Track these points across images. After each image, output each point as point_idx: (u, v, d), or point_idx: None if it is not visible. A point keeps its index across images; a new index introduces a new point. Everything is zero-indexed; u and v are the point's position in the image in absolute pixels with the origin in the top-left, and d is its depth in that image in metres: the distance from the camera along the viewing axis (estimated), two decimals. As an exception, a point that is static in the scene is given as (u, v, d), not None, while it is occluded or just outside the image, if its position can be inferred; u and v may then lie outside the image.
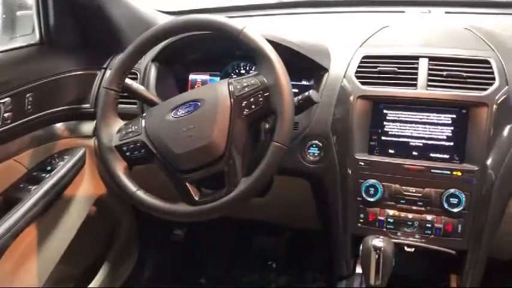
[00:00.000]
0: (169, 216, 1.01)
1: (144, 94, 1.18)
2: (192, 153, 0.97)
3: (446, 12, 1.40)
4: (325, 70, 1.20)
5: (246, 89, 0.97)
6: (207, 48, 1.34)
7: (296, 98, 1.09)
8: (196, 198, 0.98)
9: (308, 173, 1.19)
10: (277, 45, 1.07)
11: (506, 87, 1.06)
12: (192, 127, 0.98)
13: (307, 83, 1.28)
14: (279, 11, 1.60)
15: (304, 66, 1.22)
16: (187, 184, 0.99)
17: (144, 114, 1.07)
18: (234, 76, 1.36)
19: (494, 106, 1.05)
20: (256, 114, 0.98)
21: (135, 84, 1.16)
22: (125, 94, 1.15)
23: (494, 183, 1.06)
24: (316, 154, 1.17)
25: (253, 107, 0.97)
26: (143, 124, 1.04)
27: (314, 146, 1.17)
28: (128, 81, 1.13)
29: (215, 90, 1.00)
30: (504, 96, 1.06)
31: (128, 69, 1.09)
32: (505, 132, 1.06)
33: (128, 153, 1.03)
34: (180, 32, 1.10)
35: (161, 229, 1.86)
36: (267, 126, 1.10)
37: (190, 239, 1.91)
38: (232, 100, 0.97)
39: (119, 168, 1.03)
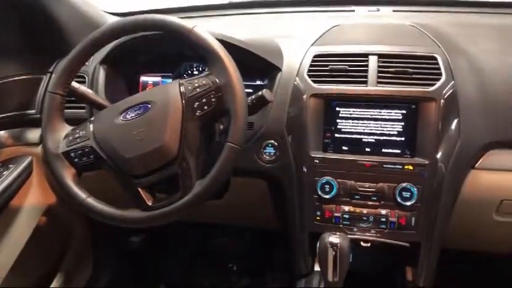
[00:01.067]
0: (121, 223, 0.98)
1: (93, 98, 1.14)
2: (144, 157, 0.94)
3: (394, 11, 1.44)
4: (278, 69, 1.20)
5: (198, 89, 0.96)
6: (158, 49, 1.31)
7: (250, 98, 1.08)
8: (150, 204, 0.95)
9: (264, 173, 1.19)
10: (228, 45, 1.06)
11: (453, 81, 1.10)
12: (143, 130, 0.95)
13: (261, 83, 1.28)
14: (231, 11, 1.59)
15: (258, 66, 1.22)
16: (139, 189, 0.96)
17: (92, 119, 1.03)
18: (186, 77, 1.34)
19: (442, 101, 1.08)
20: (209, 115, 0.96)
21: (83, 88, 1.12)
22: (73, 98, 1.10)
23: (444, 175, 1.09)
24: (272, 154, 1.17)
25: (205, 107, 0.95)
26: (91, 129, 1.00)
27: (270, 145, 1.17)
28: (74, 84, 1.08)
29: (166, 92, 0.98)
30: (451, 91, 1.09)
31: (73, 72, 1.04)
32: (453, 125, 1.09)
33: (76, 160, 0.99)
34: (128, 32, 1.06)
35: (117, 237, 1.81)
36: (221, 127, 1.09)
37: (148, 245, 1.86)
38: (183, 101, 0.95)
39: (67, 175, 0.99)
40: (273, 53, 1.21)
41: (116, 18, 1.52)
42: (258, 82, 1.28)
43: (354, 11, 1.47)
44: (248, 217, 1.47)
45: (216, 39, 1.00)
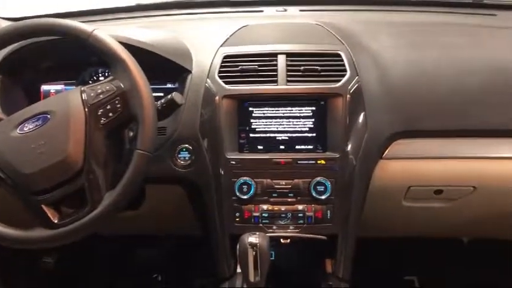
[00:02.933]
0: (26, 244, 0.91)
1: None
2: (46, 171, 0.88)
3: (301, 10, 1.47)
4: (188, 71, 1.17)
5: (101, 96, 0.91)
6: (60, 54, 1.23)
7: (159, 102, 1.05)
8: (56, 221, 0.89)
9: (181, 179, 1.16)
10: (133, 48, 1.03)
11: (357, 77, 1.14)
12: (43, 143, 0.89)
13: (172, 86, 1.25)
14: (139, 13, 1.54)
15: (167, 69, 1.19)
16: (43, 206, 0.89)
17: None
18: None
19: (348, 96, 1.12)
20: (115, 122, 0.92)
21: None
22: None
23: (355, 167, 1.13)
24: (187, 158, 1.14)
25: (110, 114, 0.91)
26: None
27: (184, 150, 1.14)
28: None
29: (66, 100, 0.92)
30: (356, 86, 1.13)
31: None
32: (360, 119, 1.13)
33: None
34: (22, 37, 0.99)
35: (27, 258, 1.67)
36: (131, 133, 1.05)
37: (62, 265, 1.75)
38: (86, 109, 0.90)
39: None
40: (182, 54, 1.19)
41: (8, 23, 1.41)
42: (169, 85, 1.25)
43: (262, 11, 1.48)
44: (169, 225, 1.43)
45: (119, 42, 0.96)
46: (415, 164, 1.18)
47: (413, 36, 1.28)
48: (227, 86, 1.14)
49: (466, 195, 1.23)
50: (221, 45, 1.21)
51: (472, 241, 1.73)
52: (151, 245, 1.87)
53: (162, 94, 1.22)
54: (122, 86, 0.92)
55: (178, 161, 1.14)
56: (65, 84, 1.28)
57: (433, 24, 1.37)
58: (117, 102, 0.91)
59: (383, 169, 1.17)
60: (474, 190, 1.21)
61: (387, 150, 1.16)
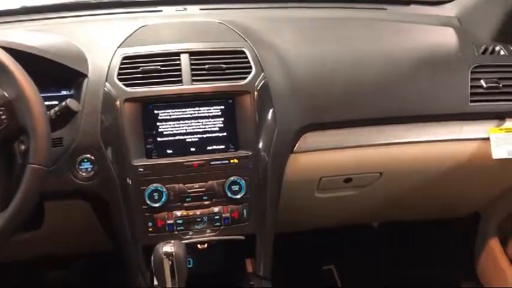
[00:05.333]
0: None
1: None
2: None
3: (201, 9, 1.44)
4: (84, 76, 1.09)
5: None
6: None
7: (52, 110, 0.97)
8: None
9: (84, 192, 1.07)
10: (18, 53, 0.93)
11: (263, 73, 1.14)
12: None
13: (68, 93, 1.14)
14: (24, 17, 1.40)
15: (60, 75, 1.09)
16: None
17: None
18: None
19: (255, 93, 1.11)
20: (0, 136, 0.82)
21: None
22: None
23: (267, 163, 1.12)
24: (89, 169, 1.06)
25: None
26: None
27: (85, 160, 1.06)
28: None
29: None
30: (262, 82, 1.13)
31: None
32: (269, 115, 1.13)
33: None
34: None
35: None
36: (23, 147, 0.94)
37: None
38: None
39: None
40: (75, 58, 1.10)
41: None
42: (64, 92, 1.14)
43: (161, 11, 1.43)
44: (77, 242, 1.34)
45: (1, 47, 0.86)
46: (325, 155, 1.21)
47: (313, 32, 1.32)
48: (128, 89, 1.07)
49: (374, 181, 1.29)
50: (119, 46, 1.14)
51: (382, 225, 1.83)
52: (59, 267, 1.73)
53: (56, 102, 1.12)
54: (7, 96, 0.82)
55: (80, 173, 1.05)
56: None
57: (331, 19, 1.41)
58: (1, 113, 0.82)
59: (294, 163, 1.18)
60: (381, 176, 1.27)
61: (297, 144, 1.18)
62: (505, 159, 1.23)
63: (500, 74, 1.26)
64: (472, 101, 1.23)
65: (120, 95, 1.07)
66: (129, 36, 1.18)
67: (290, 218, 1.27)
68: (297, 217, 1.32)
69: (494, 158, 1.22)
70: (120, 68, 1.09)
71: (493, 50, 1.31)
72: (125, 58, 1.11)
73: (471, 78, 1.24)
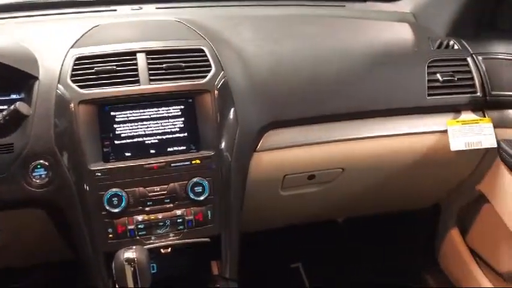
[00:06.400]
0: None
1: None
2: None
3: (157, 8, 1.41)
4: (34, 78, 1.04)
5: None
6: None
7: (0, 115, 0.91)
8: None
9: (38, 200, 1.02)
10: None
11: (222, 72, 1.12)
12: None
13: (18, 96, 1.08)
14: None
15: (8, 77, 1.04)
16: None
17: None
18: None
19: (216, 91, 1.09)
20: None
21: None
22: None
23: (230, 163, 1.10)
24: (43, 176, 1.01)
25: None
26: None
27: (39, 166, 1.01)
28: None
29: None
30: (222, 81, 1.11)
31: None
32: (230, 114, 1.11)
33: None
34: None
35: None
36: None
37: None
38: None
39: None
40: (24, 60, 1.04)
41: None
42: (13, 96, 1.08)
43: (115, 10, 1.39)
44: (35, 254, 1.28)
45: None
46: (288, 153, 1.20)
47: (272, 29, 1.31)
48: (82, 91, 1.03)
49: (336, 177, 1.29)
50: (71, 47, 1.10)
51: (346, 220, 1.85)
52: (20, 279, 1.65)
53: (5, 107, 1.06)
54: None
55: (33, 180, 1.00)
56: None
57: (290, 17, 1.42)
58: None
59: (258, 162, 1.17)
60: (343, 171, 1.28)
61: (260, 143, 1.17)
62: (462, 150, 1.26)
63: (455, 67, 1.29)
64: (429, 95, 1.26)
65: (74, 97, 1.02)
66: (82, 36, 1.14)
67: (255, 217, 1.26)
68: (262, 216, 1.31)
69: (452, 150, 1.25)
70: (74, 69, 1.05)
71: (448, 44, 1.35)
72: (78, 59, 1.07)
73: (428, 73, 1.27)
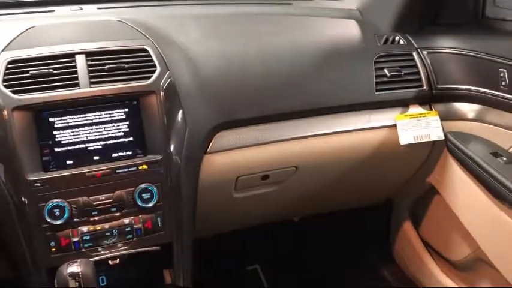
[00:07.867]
0: None
1: None
2: None
3: (99, 8, 1.35)
4: None
5: None
6: None
7: None
8: None
9: None
10: None
11: (168, 72, 1.08)
12: None
13: None
14: None
15: None
16: None
17: None
18: None
19: (162, 93, 1.05)
20: None
21: None
22: None
23: (180, 167, 1.07)
24: None
25: None
26: None
27: None
28: None
29: None
30: (168, 81, 1.07)
31: None
32: (178, 116, 1.08)
33: None
34: None
35: None
36: None
37: None
38: None
39: None
40: None
41: None
42: None
43: (53, 11, 1.31)
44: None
45: None
46: (240, 154, 1.18)
47: (220, 28, 1.28)
48: (16, 96, 0.96)
49: (290, 176, 1.28)
50: (3, 50, 1.02)
51: (302, 218, 1.84)
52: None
53: None
54: None
55: None
56: None
57: (237, 15, 1.39)
58: None
59: (209, 164, 1.14)
60: (296, 170, 1.26)
61: (210, 144, 1.14)
62: (411, 144, 1.28)
63: (402, 62, 1.31)
64: (377, 90, 1.27)
65: (7, 104, 0.95)
66: (15, 38, 1.06)
67: (209, 221, 1.23)
68: (216, 220, 1.27)
69: (401, 144, 1.27)
70: (6, 74, 0.98)
71: (393, 39, 1.36)
72: (10, 62, 1.00)
73: (375, 68, 1.28)
